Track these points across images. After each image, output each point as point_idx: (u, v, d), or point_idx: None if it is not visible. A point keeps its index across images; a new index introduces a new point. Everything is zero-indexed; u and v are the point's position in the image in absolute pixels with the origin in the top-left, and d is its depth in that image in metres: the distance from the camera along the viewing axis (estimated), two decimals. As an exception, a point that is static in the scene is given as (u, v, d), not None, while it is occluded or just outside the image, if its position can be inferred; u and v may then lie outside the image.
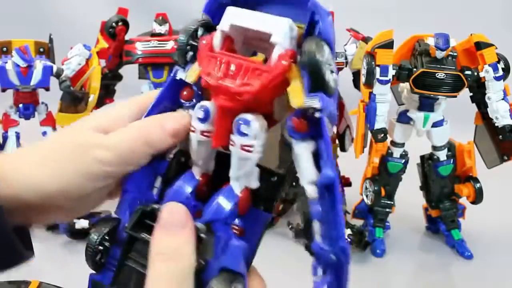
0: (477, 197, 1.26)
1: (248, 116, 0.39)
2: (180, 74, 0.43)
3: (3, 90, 1.31)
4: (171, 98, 0.44)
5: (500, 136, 1.19)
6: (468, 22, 1.76)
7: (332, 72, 0.38)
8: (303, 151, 0.38)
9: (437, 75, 1.15)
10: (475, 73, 1.17)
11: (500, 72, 1.16)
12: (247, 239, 0.40)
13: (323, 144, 0.37)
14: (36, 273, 0.84)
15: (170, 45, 1.44)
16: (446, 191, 1.30)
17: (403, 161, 1.27)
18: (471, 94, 1.23)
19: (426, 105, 1.21)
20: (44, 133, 1.35)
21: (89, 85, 1.35)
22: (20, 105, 1.32)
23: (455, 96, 1.18)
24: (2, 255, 0.41)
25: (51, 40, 1.36)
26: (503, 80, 1.17)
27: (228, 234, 0.39)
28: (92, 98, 1.34)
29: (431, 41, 1.16)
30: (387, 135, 1.21)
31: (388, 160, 1.26)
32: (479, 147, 1.27)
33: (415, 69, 1.16)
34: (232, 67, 0.39)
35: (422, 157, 1.32)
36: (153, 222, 0.39)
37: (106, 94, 1.53)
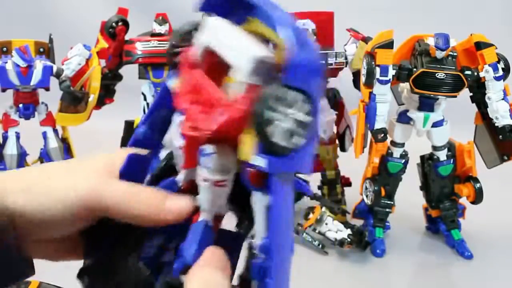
0: (477, 197, 1.26)
1: (207, 148, 0.36)
2: (169, 82, 0.39)
3: (3, 90, 1.31)
4: (166, 105, 0.40)
5: (500, 136, 1.19)
6: (468, 22, 1.76)
7: (303, 129, 0.32)
8: (257, 204, 0.35)
9: (437, 75, 1.15)
10: (475, 73, 1.17)
11: (500, 72, 1.16)
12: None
13: (272, 203, 0.33)
14: (36, 273, 0.84)
15: (170, 45, 1.44)
16: (446, 191, 1.29)
17: (403, 161, 1.27)
18: (471, 94, 1.23)
19: (426, 105, 1.21)
20: (44, 133, 1.35)
21: (89, 85, 1.35)
22: (20, 105, 1.33)
23: (455, 96, 1.18)
24: (3, 271, 0.40)
25: (51, 40, 1.37)
26: (503, 80, 1.17)
27: None
28: (92, 98, 1.34)
29: (431, 41, 1.16)
30: (387, 135, 1.21)
31: (388, 160, 1.26)
32: (479, 147, 1.27)
33: (415, 69, 1.16)
34: (197, 94, 0.35)
35: (422, 157, 1.32)
36: None
37: (106, 94, 1.53)
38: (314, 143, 0.33)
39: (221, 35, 0.35)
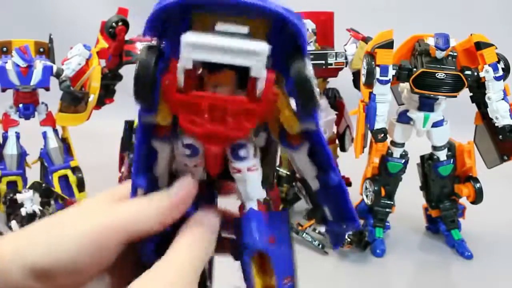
0: (477, 197, 1.26)
1: (241, 141, 0.39)
2: (149, 119, 0.38)
3: (3, 90, 1.31)
4: (148, 143, 0.40)
5: (500, 136, 1.19)
6: (468, 22, 1.76)
7: (315, 82, 0.37)
8: (301, 156, 0.40)
9: (437, 75, 1.15)
10: (475, 73, 1.17)
11: (500, 72, 1.16)
12: (280, 244, 0.41)
13: (323, 149, 0.40)
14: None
15: (170, 45, 1.44)
16: (446, 191, 1.30)
17: (403, 161, 1.27)
18: (471, 94, 1.23)
19: (426, 105, 1.21)
20: (44, 133, 1.35)
21: (89, 85, 1.35)
22: (20, 105, 1.32)
23: (455, 96, 1.17)
24: None
25: (51, 40, 1.36)
26: (503, 80, 1.17)
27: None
28: (92, 98, 1.34)
29: (431, 41, 1.16)
30: (387, 135, 1.21)
31: (388, 160, 1.26)
32: (479, 147, 1.27)
33: (415, 69, 1.16)
34: (217, 111, 0.36)
35: (422, 157, 1.32)
36: None
37: (106, 94, 1.53)
38: None
39: (209, 45, 0.35)
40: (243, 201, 0.42)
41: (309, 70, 0.36)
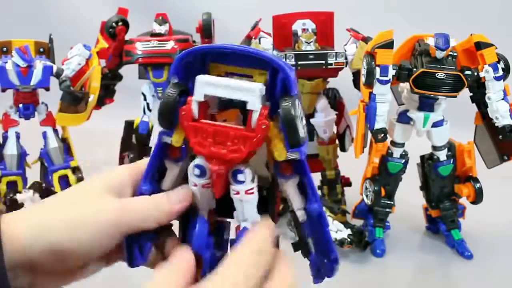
0: (477, 197, 1.26)
1: (240, 166, 0.47)
2: (166, 139, 0.49)
3: (3, 90, 1.31)
4: (161, 158, 0.50)
5: (500, 136, 1.19)
6: (468, 22, 1.76)
7: (301, 121, 0.45)
8: (290, 187, 0.48)
9: (437, 75, 1.15)
10: (475, 73, 1.17)
11: (500, 72, 1.16)
12: None
13: (307, 180, 0.48)
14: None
15: (170, 45, 1.44)
16: (446, 191, 1.30)
17: (403, 161, 1.27)
18: (471, 94, 1.23)
19: (426, 105, 1.21)
20: (44, 133, 1.35)
21: (89, 85, 1.35)
22: (20, 105, 1.32)
23: (455, 96, 1.17)
24: None
25: (51, 40, 1.36)
26: (503, 80, 1.17)
27: None
28: (92, 98, 1.34)
29: (431, 41, 1.16)
30: (387, 135, 1.21)
31: (388, 160, 1.26)
32: (479, 147, 1.27)
33: (415, 69, 1.16)
34: (219, 136, 0.45)
35: (422, 157, 1.32)
36: None
37: (106, 94, 1.53)
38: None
39: (218, 84, 0.45)
40: (239, 222, 0.49)
41: (297, 109, 0.44)
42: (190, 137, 0.46)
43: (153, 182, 0.50)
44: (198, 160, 0.47)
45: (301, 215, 0.49)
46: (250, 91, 0.44)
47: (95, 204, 0.47)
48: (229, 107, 0.47)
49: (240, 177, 0.47)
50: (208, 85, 0.45)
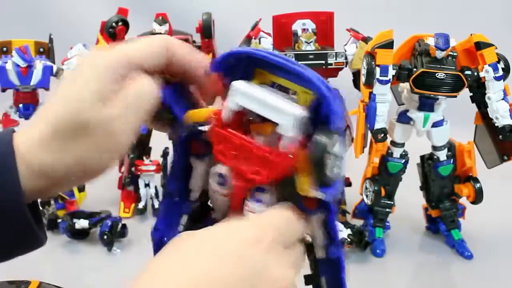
0: (477, 197, 1.26)
1: (264, 186, 0.42)
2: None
3: (3, 90, 1.31)
4: (185, 158, 0.46)
5: (500, 136, 1.19)
6: (468, 22, 1.76)
7: (339, 160, 0.42)
8: (314, 222, 0.43)
9: (437, 75, 1.15)
10: (475, 73, 1.17)
11: (500, 72, 1.16)
12: None
13: (330, 222, 0.43)
14: (36, 273, 0.84)
15: (170, 45, 1.44)
16: (446, 191, 1.29)
17: (403, 161, 1.27)
18: (471, 94, 1.22)
19: (426, 105, 1.21)
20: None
21: (89, 85, 1.35)
22: (20, 105, 1.32)
23: (455, 96, 1.17)
24: (21, 239, 0.44)
25: (51, 40, 1.36)
26: (503, 80, 1.17)
27: None
28: (92, 98, 1.34)
29: (431, 41, 1.16)
30: (387, 135, 1.21)
31: (388, 160, 1.26)
32: (479, 147, 1.27)
33: (415, 69, 1.16)
34: (243, 152, 0.41)
35: (422, 157, 1.32)
36: None
37: (106, 94, 1.53)
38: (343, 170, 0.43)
39: (254, 96, 0.41)
40: None
41: (332, 147, 0.40)
42: (214, 143, 0.42)
43: (180, 182, 0.47)
44: (221, 168, 0.43)
45: (320, 252, 0.45)
46: (285, 115, 0.40)
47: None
48: (266, 119, 0.41)
49: (259, 195, 0.43)
50: (241, 95, 0.41)
